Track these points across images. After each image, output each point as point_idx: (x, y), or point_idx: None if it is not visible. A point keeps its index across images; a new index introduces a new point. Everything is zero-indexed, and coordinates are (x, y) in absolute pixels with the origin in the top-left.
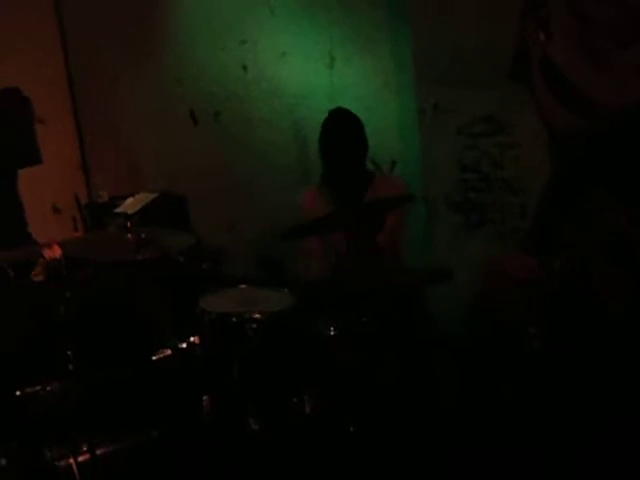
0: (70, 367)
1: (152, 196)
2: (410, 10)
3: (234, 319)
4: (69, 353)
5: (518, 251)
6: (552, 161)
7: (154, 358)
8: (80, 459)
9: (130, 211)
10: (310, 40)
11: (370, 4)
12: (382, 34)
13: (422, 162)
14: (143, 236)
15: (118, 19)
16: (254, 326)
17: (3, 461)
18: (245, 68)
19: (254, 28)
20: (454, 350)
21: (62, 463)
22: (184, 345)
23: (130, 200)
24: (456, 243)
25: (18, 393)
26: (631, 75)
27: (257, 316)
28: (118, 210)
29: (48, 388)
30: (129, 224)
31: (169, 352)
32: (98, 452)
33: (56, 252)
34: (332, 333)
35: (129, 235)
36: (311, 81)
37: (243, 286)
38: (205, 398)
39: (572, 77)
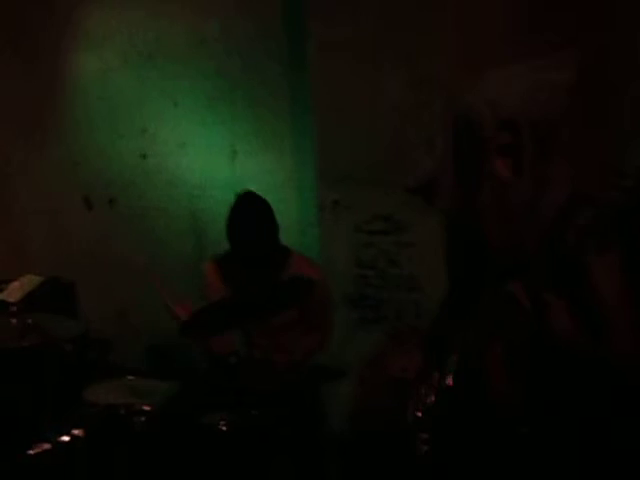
0: None
1: (38, 280)
2: (313, 107)
3: (122, 411)
4: None
5: (399, 350)
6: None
7: (31, 452)
8: None
9: (13, 298)
10: (212, 132)
11: (274, 97)
12: (285, 129)
13: (321, 257)
14: (29, 322)
15: (15, 100)
16: (142, 419)
17: None
18: (144, 156)
19: (156, 118)
20: (342, 450)
21: None
22: (66, 438)
23: (15, 284)
24: (352, 339)
25: None
26: None
27: (146, 408)
28: (1, 296)
29: None
30: (14, 309)
31: (48, 446)
32: None
33: None
34: (223, 427)
35: (14, 320)
36: (212, 173)
37: (131, 377)
38: None
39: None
